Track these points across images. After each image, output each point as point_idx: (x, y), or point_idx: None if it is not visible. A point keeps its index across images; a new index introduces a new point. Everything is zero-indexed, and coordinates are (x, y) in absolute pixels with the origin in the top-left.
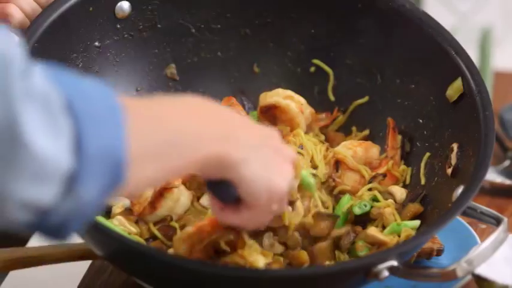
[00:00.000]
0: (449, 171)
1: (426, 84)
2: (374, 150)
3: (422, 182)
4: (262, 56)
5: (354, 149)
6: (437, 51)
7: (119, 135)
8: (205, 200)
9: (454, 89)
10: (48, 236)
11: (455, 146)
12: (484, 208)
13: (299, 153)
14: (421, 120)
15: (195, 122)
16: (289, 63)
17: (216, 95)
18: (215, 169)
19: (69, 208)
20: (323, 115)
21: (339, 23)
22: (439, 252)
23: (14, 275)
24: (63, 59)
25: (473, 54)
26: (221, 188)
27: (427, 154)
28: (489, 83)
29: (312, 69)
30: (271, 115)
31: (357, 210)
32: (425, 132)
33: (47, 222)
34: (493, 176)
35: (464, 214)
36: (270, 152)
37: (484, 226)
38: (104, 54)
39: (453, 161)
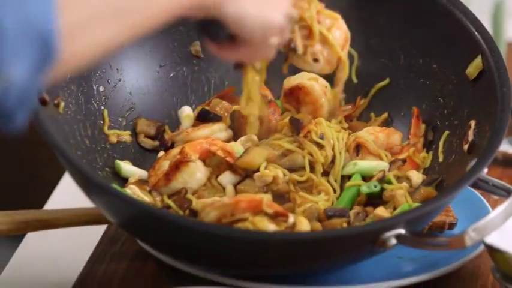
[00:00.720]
0: (465, 147)
1: (447, 63)
2: (396, 136)
3: (440, 159)
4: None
5: (376, 134)
6: (459, 28)
7: (41, 3)
8: (223, 178)
9: (474, 67)
10: (2, 126)
11: (473, 122)
12: (496, 181)
13: (319, 143)
14: (441, 100)
15: None
16: None
17: (239, 76)
18: (197, 10)
19: (3, 90)
20: (348, 106)
21: (363, 5)
22: (452, 225)
23: (29, 241)
24: None
25: (487, 25)
26: (212, 27)
27: (446, 132)
28: (502, 54)
29: None
30: (294, 99)
31: (365, 189)
32: (445, 111)
33: None
34: (506, 146)
35: (477, 187)
36: None
37: (497, 197)
38: None
39: (470, 137)
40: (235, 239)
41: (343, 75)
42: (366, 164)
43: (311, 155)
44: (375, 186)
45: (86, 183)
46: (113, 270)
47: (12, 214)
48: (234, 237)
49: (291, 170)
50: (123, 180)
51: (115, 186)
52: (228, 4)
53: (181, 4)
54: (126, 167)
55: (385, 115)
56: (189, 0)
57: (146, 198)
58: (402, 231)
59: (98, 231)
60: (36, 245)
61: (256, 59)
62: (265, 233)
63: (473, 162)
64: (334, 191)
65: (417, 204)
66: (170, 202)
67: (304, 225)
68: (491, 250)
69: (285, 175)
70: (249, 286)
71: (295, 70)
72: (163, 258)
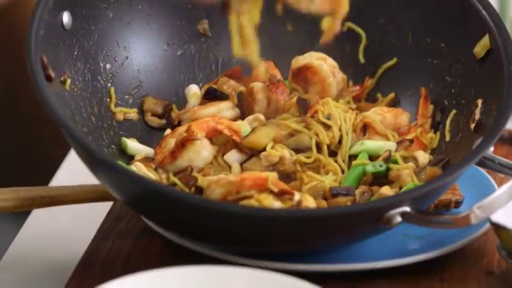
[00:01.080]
0: (472, 126)
1: (455, 42)
2: (404, 117)
3: (447, 138)
4: (294, 16)
5: (383, 114)
6: (467, 7)
7: None
8: (229, 156)
9: (482, 46)
10: None
11: (479, 101)
12: (502, 159)
13: (325, 124)
14: (449, 79)
15: None
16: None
17: None
18: None
19: None
20: (356, 87)
21: None
22: (458, 203)
23: (35, 218)
24: (93, 9)
25: (493, 2)
26: None
27: (453, 111)
28: (509, 33)
29: (345, 28)
30: (302, 78)
31: (370, 168)
32: (452, 91)
33: None
34: None
35: (483, 165)
36: None
37: (503, 176)
38: (135, 6)
39: (477, 116)
40: (240, 216)
41: (343, 10)
42: (373, 143)
43: (318, 135)
44: (381, 166)
45: (92, 160)
46: (118, 248)
47: (17, 191)
48: (239, 214)
49: (298, 150)
50: (129, 158)
51: (121, 163)
52: None
53: None
54: (132, 145)
55: (392, 95)
56: None
57: (152, 175)
58: (407, 209)
59: (103, 208)
60: (41, 223)
61: None
62: (270, 209)
63: (479, 141)
64: (343, 172)
65: (422, 183)
66: (176, 180)
67: (309, 203)
68: (497, 228)
69: (291, 155)
70: (254, 264)
71: (302, 50)
72: (168, 236)
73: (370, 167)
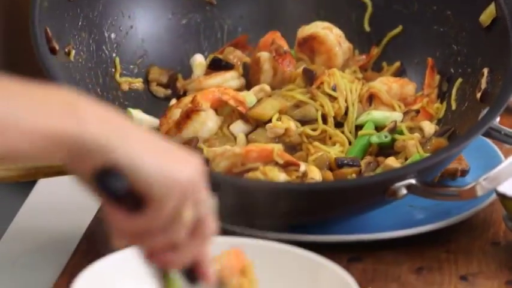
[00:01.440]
0: (478, 95)
1: (461, 10)
2: (410, 87)
3: (453, 107)
4: None
5: (389, 84)
6: None
7: None
8: (235, 127)
9: (487, 14)
10: None
11: (485, 70)
12: (508, 130)
13: (331, 95)
14: (455, 47)
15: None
16: None
17: (253, 23)
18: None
19: None
20: (362, 56)
21: None
22: (464, 172)
23: (40, 188)
24: None
25: None
26: (108, 178)
27: (460, 80)
28: None
29: None
30: (308, 48)
31: (375, 139)
32: (459, 59)
33: None
34: None
35: (489, 136)
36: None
37: (509, 146)
38: None
39: (483, 85)
40: (245, 189)
41: None
42: (379, 113)
43: (323, 107)
44: (386, 137)
45: None
46: None
47: None
48: (244, 186)
49: (304, 121)
50: None
51: None
52: (122, 145)
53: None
54: (138, 115)
55: (397, 64)
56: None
57: None
58: (413, 181)
59: None
60: (47, 193)
61: (160, 241)
62: (275, 183)
63: (485, 111)
64: (350, 143)
65: (428, 154)
66: None
67: (315, 175)
68: (504, 199)
69: (297, 127)
70: (261, 235)
71: (308, 19)
72: None
73: (376, 138)
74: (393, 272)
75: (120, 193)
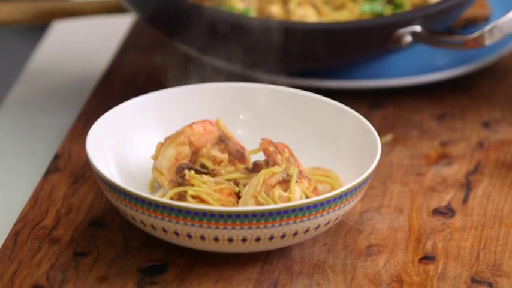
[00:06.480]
0: None
1: None
2: None
3: None
4: None
5: None
6: None
7: None
8: None
9: None
10: None
11: None
12: None
13: None
14: None
15: None
16: None
17: None
18: None
19: None
20: None
21: None
22: (486, 18)
23: (55, 31)
24: None
25: None
26: None
27: None
28: None
29: None
30: None
31: None
32: None
33: None
34: None
35: None
36: None
37: None
38: None
39: None
40: (253, 27)
41: None
42: None
43: None
44: None
45: None
46: (140, 64)
47: (36, 3)
48: (253, 25)
49: None
50: None
51: None
52: None
53: None
54: None
55: None
56: None
57: None
58: (418, 28)
59: (125, 21)
60: (62, 35)
61: None
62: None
63: None
64: None
65: None
66: None
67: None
68: None
69: None
70: (285, 81)
71: None
72: (190, 53)
73: None
74: (415, 119)
75: None
